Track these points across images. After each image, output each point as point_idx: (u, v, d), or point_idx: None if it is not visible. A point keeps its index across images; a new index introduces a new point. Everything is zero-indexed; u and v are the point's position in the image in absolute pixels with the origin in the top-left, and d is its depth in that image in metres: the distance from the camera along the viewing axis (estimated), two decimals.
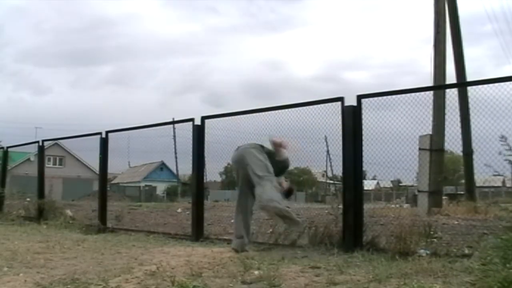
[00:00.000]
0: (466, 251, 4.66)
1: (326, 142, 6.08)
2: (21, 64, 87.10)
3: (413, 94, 5.17)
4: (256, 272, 3.87)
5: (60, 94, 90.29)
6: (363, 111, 5.30)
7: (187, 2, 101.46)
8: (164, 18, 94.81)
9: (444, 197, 13.24)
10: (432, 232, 5.44)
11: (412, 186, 16.07)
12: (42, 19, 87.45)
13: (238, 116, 6.55)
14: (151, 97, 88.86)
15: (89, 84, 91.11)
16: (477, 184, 14.69)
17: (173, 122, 8.02)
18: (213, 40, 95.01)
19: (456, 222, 8.29)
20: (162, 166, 45.39)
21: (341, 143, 5.38)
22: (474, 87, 5.31)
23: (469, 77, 13.65)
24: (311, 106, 5.76)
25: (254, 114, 6.36)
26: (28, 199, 10.96)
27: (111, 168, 9.30)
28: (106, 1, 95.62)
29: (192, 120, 6.90)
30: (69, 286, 3.68)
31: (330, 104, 5.55)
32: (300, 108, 5.89)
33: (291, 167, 5.99)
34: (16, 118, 72.41)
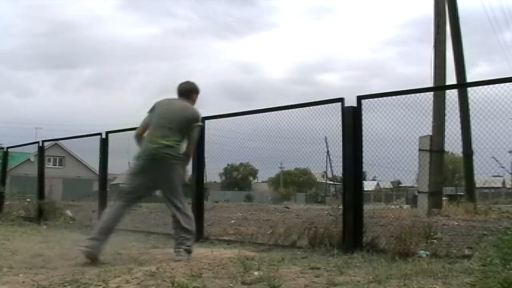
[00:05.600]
0: (466, 252, 4.66)
1: (326, 143, 6.08)
2: None
3: (413, 94, 5.18)
4: (256, 273, 3.86)
5: (47, 95, 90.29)
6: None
7: (143, 6, 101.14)
8: (124, 21, 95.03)
9: (444, 198, 13.25)
10: (432, 233, 5.44)
11: (412, 187, 16.07)
12: (8, 24, 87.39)
13: (239, 117, 6.64)
14: (132, 99, 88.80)
15: (71, 87, 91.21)
16: (477, 185, 14.71)
17: None
18: (180, 43, 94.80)
19: (456, 223, 8.30)
20: None
21: (341, 143, 5.38)
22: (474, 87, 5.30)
23: None
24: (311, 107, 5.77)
25: (254, 115, 6.43)
26: (28, 200, 10.96)
27: (111, 169, 9.30)
28: (66, 6, 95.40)
29: None
30: (69, 287, 3.67)
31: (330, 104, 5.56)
32: (300, 108, 5.91)
33: (290, 168, 6.01)
34: (6, 118, 72.51)
